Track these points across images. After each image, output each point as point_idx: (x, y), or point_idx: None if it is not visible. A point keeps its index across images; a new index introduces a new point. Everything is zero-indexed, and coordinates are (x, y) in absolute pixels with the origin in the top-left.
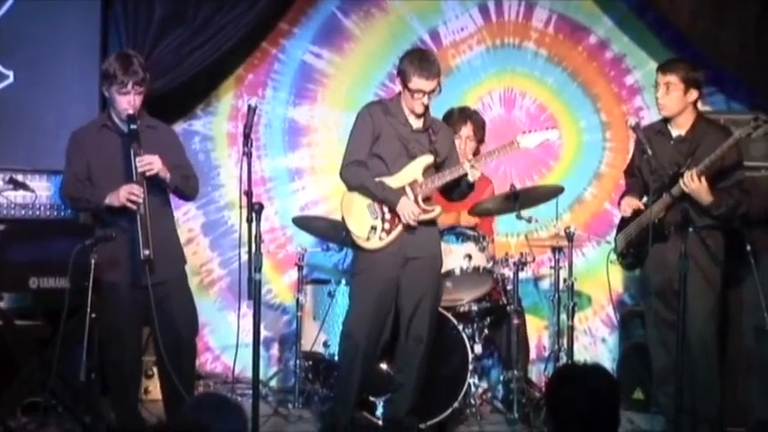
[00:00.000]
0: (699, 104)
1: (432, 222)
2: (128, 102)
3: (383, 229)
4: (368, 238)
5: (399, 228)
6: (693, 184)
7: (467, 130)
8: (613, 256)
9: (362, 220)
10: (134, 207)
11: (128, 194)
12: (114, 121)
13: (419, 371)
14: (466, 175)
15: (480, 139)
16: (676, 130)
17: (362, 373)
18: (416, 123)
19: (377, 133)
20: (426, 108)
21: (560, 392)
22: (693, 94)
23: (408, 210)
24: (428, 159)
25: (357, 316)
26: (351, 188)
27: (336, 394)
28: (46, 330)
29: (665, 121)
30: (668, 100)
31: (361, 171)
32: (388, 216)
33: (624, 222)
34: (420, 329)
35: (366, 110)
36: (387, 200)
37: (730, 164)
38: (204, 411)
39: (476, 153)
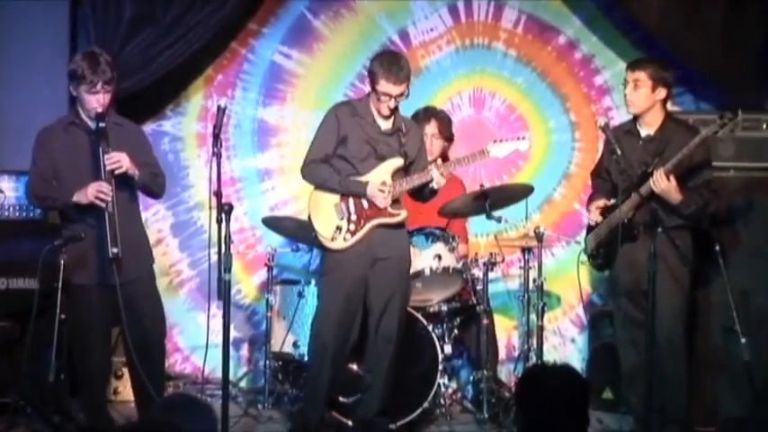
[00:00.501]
0: (668, 105)
1: (400, 224)
2: (97, 101)
3: (348, 230)
4: (333, 239)
5: (365, 229)
6: (662, 183)
7: (431, 128)
8: (584, 257)
9: (328, 220)
10: (102, 205)
11: (96, 192)
12: (82, 119)
13: (388, 371)
14: (432, 180)
15: (448, 137)
16: (645, 130)
17: (332, 374)
18: (385, 125)
19: (342, 135)
20: (395, 110)
21: (530, 392)
22: (661, 92)
23: (376, 192)
24: (398, 162)
25: (325, 316)
26: (314, 186)
27: (306, 394)
28: (15, 331)
29: (635, 120)
30: (635, 97)
31: (322, 168)
32: (354, 217)
33: (594, 223)
34: (389, 329)
35: (333, 111)
36: (352, 192)
37: (698, 162)
38: (174, 412)
39: (444, 151)
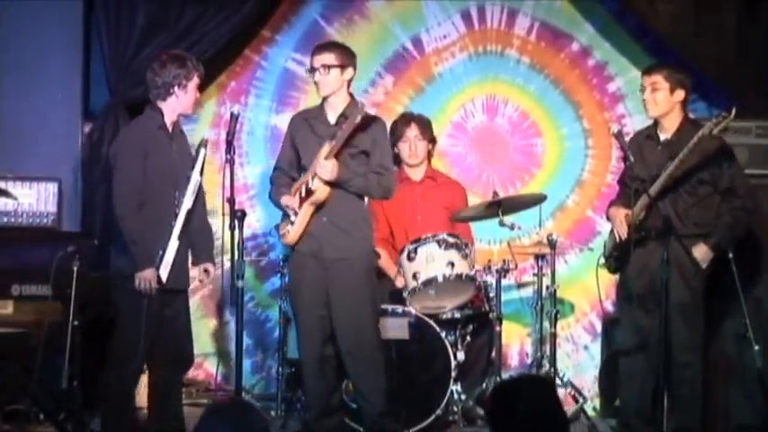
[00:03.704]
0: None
1: (356, 219)
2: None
3: (291, 221)
4: (284, 235)
5: (301, 214)
6: (702, 254)
7: (413, 131)
8: (602, 260)
9: (286, 220)
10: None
11: (148, 286)
12: (166, 125)
13: (369, 378)
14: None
15: (430, 139)
16: (664, 134)
17: (319, 376)
18: (333, 117)
19: (295, 141)
20: (350, 100)
21: (499, 406)
22: (680, 93)
23: (288, 202)
24: (325, 149)
25: (298, 326)
26: None
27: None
28: (28, 338)
29: (655, 125)
30: (655, 100)
31: (277, 185)
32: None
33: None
34: (347, 342)
35: (289, 122)
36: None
37: (714, 156)
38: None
39: (430, 153)
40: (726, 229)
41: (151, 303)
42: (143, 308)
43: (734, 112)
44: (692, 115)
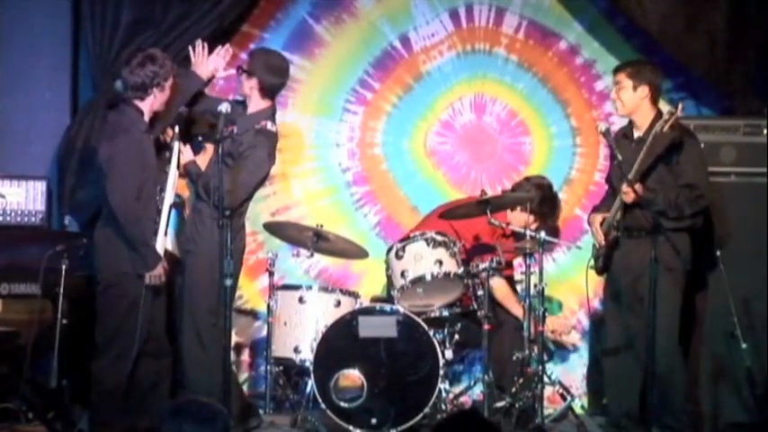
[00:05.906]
0: (663, 107)
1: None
2: None
3: None
4: None
5: None
6: (630, 196)
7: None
8: (592, 262)
9: None
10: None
11: (158, 279)
12: (147, 125)
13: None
14: None
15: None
16: (637, 132)
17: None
18: None
19: None
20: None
21: None
22: (644, 90)
23: None
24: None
25: None
26: None
27: None
28: (16, 336)
29: (631, 123)
30: (619, 98)
31: None
32: None
33: (599, 244)
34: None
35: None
36: None
37: (671, 145)
38: (186, 419)
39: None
40: (672, 192)
41: (147, 299)
42: (141, 304)
43: (680, 107)
44: (679, 113)
